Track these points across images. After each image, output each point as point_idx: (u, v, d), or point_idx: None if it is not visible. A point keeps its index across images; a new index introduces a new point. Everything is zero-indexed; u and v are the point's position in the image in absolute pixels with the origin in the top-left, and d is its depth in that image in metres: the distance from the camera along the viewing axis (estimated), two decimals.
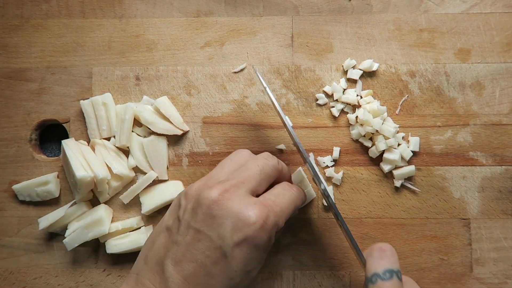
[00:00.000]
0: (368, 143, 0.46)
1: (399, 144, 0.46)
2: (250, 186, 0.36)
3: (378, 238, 0.46)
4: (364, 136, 0.46)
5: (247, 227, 0.33)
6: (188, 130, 0.48)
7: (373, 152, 0.46)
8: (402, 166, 0.46)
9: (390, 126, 0.45)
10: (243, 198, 0.35)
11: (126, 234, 0.46)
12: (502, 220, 0.46)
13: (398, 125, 0.46)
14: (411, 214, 0.46)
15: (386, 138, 0.45)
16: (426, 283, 0.46)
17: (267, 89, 0.42)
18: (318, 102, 0.47)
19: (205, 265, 0.33)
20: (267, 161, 0.39)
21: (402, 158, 0.46)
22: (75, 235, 0.44)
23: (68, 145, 0.46)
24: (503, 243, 0.46)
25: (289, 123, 0.42)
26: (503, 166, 0.46)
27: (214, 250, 0.33)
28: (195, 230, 0.34)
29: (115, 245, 0.45)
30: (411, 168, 0.46)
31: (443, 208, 0.46)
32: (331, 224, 0.47)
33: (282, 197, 0.37)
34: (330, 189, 0.46)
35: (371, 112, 0.45)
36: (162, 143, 0.47)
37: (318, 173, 0.41)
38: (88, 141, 0.48)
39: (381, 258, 0.36)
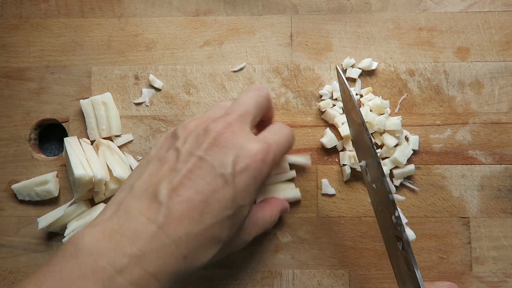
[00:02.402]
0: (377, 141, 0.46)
1: (397, 145, 0.46)
2: (249, 119, 0.37)
3: (377, 237, 0.46)
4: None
5: (249, 158, 0.34)
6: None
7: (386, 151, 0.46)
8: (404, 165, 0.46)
9: (395, 121, 0.45)
10: (246, 133, 0.35)
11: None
12: (502, 219, 0.46)
13: (401, 116, 0.46)
14: (411, 212, 0.46)
15: (392, 133, 0.45)
16: (426, 282, 0.45)
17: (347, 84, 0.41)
18: (322, 98, 0.47)
19: (203, 192, 0.32)
20: (259, 92, 0.39)
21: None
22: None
23: (70, 143, 0.46)
24: (503, 242, 0.46)
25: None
26: (502, 165, 0.46)
27: (215, 177, 0.33)
28: (198, 158, 0.33)
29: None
30: (411, 167, 0.46)
31: (443, 207, 0.46)
32: (330, 223, 0.47)
33: (279, 135, 0.38)
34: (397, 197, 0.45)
35: (375, 108, 0.45)
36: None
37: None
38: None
39: None
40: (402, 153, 0.45)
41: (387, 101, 0.46)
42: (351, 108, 0.41)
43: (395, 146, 0.45)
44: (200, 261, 0.33)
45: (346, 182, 0.47)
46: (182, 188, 0.32)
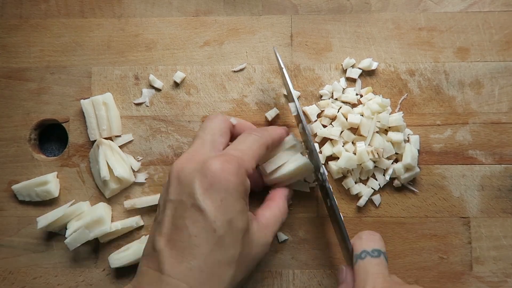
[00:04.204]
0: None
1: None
2: (209, 144, 0.38)
3: None
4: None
5: (211, 174, 0.34)
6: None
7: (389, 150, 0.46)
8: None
9: (396, 116, 0.45)
10: (200, 156, 0.37)
11: (127, 247, 0.46)
12: (502, 219, 0.46)
13: (402, 112, 0.46)
14: (411, 212, 0.46)
15: (396, 129, 0.45)
16: (426, 281, 0.45)
17: (284, 69, 0.43)
18: (322, 98, 0.47)
19: (186, 228, 0.34)
20: (217, 119, 0.41)
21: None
22: (76, 235, 0.44)
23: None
24: (503, 242, 0.46)
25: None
26: (502, 165, 0.46)
27: (189, 209, 0.34)
28: (170, 202, 0.35)
29: (118, 259, 0.45)
30: (417, 169, 0.46)
31: (443, 207, 0.46)
32: (330, 223, 0.47)
33: (242, 143, 0.39)
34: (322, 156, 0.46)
35: (376, 106, 0.45)
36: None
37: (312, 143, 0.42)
38: (88, 141, 0.48)
39: (370, 240, 0.38)
40: (413, 156, 0.45)
41: (388, 100, 0.46)
42: (285, 82, 0.44)
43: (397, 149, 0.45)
44: (222, 285, 0.34)
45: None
46: (169, 234, 0.34)
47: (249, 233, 0.37)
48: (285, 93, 0.48)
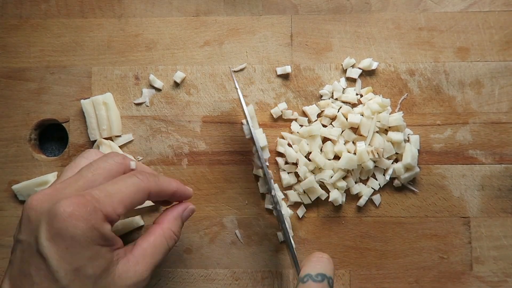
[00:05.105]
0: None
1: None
2: (77, 183, 0.35)
3: (377, 237, 0.46)
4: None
5: (57, 219, 0.31)
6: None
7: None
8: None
9: (396, 116, 0.45)
10: (61, 195, 0.34)
11: None
12: (502, 219, 0.46)
13: (402, 112, 0.46)
14: (411, 212, 0.46)
15: (396, 129, 0.45)
16: (426, 281, 0.46)
17: (238, 90, 0.44)
18: (322, 98, 0.47)
19: (30, 275, 0.32)
20: (112, 161, 0.37)
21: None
22: None
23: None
24: (503, 241, 0.46)
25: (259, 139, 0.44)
26: (502, 164, 0.46)
27: (35, 255, 0.32)
28: (19, 243, 0.33)
29: None
30: (417, 169, 0.46)
31: (443, 207, 0.46)
32: (330, 223, 0.47)
33: (115, 184, 0.35)
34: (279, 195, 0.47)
35: (376, 105, 0.45)
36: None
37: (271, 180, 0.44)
38: (88, 141, 0.48)
39: (317, 263, 0.37)
40: (413, 156, 0.45)
41: (388, 100, 0.46)
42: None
43: (399, 149, 0.45)
44: None
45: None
46: (17, 279, 0.32)
47: (108, 276, 0.33)
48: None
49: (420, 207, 0.46)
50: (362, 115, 0.45)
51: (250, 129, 0.43)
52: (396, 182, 0.46)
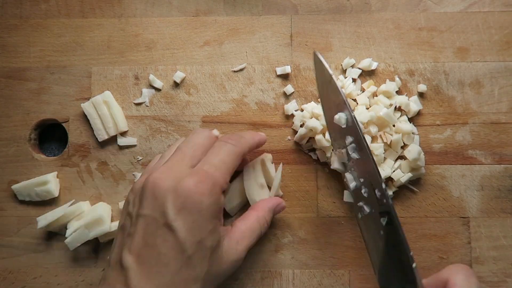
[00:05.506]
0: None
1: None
2: (183, 161, 0.38)
3: None
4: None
5: (184, 195, 0.35)
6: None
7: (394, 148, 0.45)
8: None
9: (401, 98, 0.45)
10: (177, 173, 0.37)
11: None
12: (501, 219, 0.46)
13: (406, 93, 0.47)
14: (410, 212, 0.46)
15: (398, 132, 0.45)
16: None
17: (333, 76, 0.39)
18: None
19: (155, 246, 0.34)
20: (201, 134, 0.41)
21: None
22: (76, 234, 0.44)
23: None
24: (503, 242, 0.46)
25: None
26: (502, 165, 0.46)
27: (161, 228, 0.35)
28: (143, 217, 0.36)
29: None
30: (422, 171, 0.45)
31: (442, 207, 0.46)
32: (330, 223, 0.47)
33: (215, 155, 0.38)
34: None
35: (382, 93, 0.45)
36: None
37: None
38: (88, 141, 0.48)
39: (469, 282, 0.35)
40: (420, 156, 0.44)
41: (393, 84, 0.46)
42: (331, 90, 0.39)
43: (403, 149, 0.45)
44: None
45: None
46: (138, 250, 0.35)
47: (219, 250, 0.37)
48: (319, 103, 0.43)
49: (420, 207, 0.46)
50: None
51: (352, 116, 0.37)
52: (396, 179, 0.45)
